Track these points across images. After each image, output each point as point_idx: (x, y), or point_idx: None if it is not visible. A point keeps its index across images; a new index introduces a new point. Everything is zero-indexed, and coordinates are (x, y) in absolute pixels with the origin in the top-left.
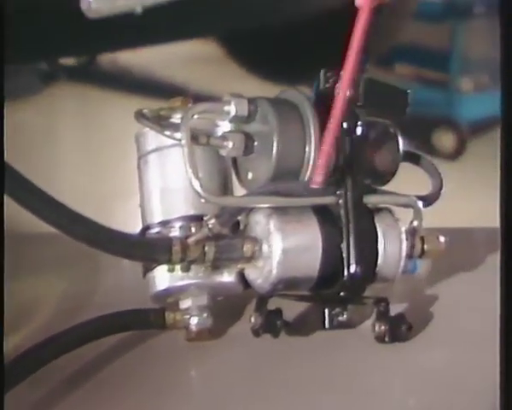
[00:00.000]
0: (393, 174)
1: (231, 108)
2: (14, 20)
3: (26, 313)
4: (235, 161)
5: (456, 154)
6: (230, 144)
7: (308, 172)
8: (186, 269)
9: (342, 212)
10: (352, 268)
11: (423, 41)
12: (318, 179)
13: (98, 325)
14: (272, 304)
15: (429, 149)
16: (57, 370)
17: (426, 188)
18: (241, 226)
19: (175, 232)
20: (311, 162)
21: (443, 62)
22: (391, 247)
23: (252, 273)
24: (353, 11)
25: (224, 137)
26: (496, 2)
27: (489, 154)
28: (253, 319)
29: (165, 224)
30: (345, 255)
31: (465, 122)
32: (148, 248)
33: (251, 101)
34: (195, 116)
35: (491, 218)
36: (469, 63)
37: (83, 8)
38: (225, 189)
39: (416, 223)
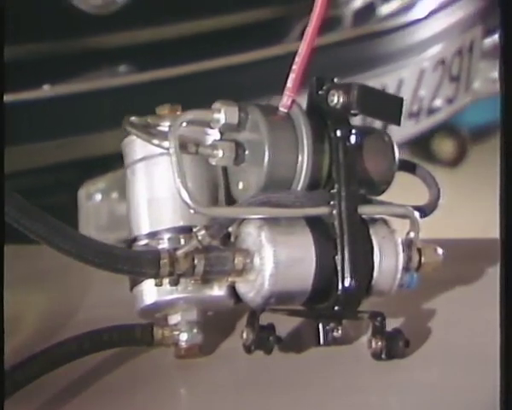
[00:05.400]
0: (389, 184)
1: (221, 116)
2: None
3: (7, 331)
4: (225, 170)
5: (456, 161)
6: (220, 153)
7: (301, 182)
8: (175, 283)
9: (336, 223)
10: (347, 282)
11: None
12: (287, 103)
13: (82, 343)
14: (265, 319)
15: (429, 156)
16: (38, 390)
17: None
18: (232, 238)
19: (163, 244)
20: (303, 172)
21: None
22: (387, 259)
23: (243, 287)
24: None
25: (214, 145)
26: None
27: (491, 161)
28: (244, 335)
29: (153, 235)
30: (339, 268)
31: (466, 128)
32: (135, 262)
33: (241, 108)
34: (184, 124)
35: (492, 228)
36: None
37: None
38: (215, 199)
39: (412, 234)
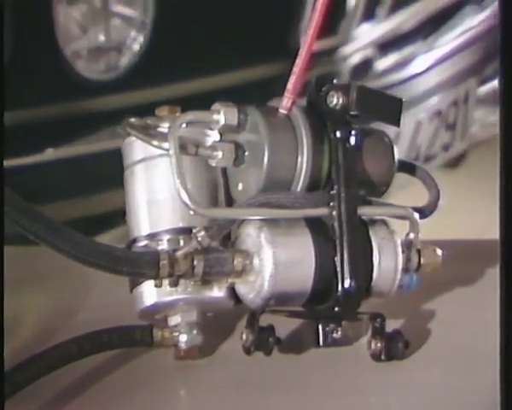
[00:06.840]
0: (389, 185)
1: (220, 117)
2: None
3: (7, 332)
4: (225, 171)
5: (456, 161)
6: (220, 154)
7: (300, 183)
8: (174, 284)
9: (335, 224)
10: (346, 283)
11: None
12: (287, 105)
13: (82, 344)
14: (264, 320)
15: None
16: (38, 391)
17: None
18: (232, 239)
19: (163, 245)
20: (303, 173)
21: None
22: (386, 260)
23: (243, 288)
24: None
25: (214, 146)
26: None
27: (491, 161)
28: (244, 336)
29: (152, 237)
30: (338, 269)
31: None
32: (135, 263)
33: (241, 109)
34: (183, 125)
35: (492, 228)
36: None
37: None
38: (215, 200)
39: (412, 235)
